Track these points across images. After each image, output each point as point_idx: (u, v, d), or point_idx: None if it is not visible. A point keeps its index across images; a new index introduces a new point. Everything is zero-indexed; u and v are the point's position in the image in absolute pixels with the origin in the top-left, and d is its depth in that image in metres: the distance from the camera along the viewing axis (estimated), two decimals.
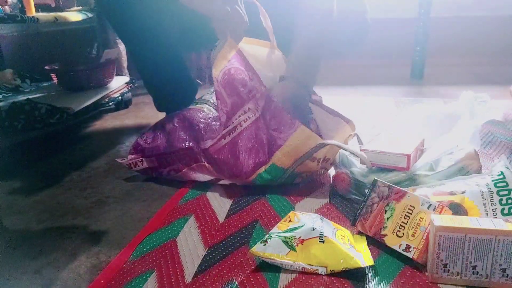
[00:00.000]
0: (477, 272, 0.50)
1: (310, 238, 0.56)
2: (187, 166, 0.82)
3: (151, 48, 0.99)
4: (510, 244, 0.48)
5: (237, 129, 0.76)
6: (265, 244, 0.56)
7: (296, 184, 0.79)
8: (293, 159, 0.75)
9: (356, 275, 0.53)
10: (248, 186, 0.79)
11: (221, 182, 0.82)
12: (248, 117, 0.76)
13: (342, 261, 0.53)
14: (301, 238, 0.56)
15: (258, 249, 0.56)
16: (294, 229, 0.58)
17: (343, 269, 0.52)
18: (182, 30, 1.00)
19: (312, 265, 0.54)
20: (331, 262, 0.53)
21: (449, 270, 0.50)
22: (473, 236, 0.49)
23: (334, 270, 0.53)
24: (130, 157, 0.89)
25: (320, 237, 0.56)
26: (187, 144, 0.82)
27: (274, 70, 0.91)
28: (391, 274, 0.53)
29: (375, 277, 0.53)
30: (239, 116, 0.76)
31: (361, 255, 0.55)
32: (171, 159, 0.84)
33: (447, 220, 0.50)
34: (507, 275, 0.49)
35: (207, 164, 0.79)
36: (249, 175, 0.76)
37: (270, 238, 0.57)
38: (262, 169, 0.76)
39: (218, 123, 0.82)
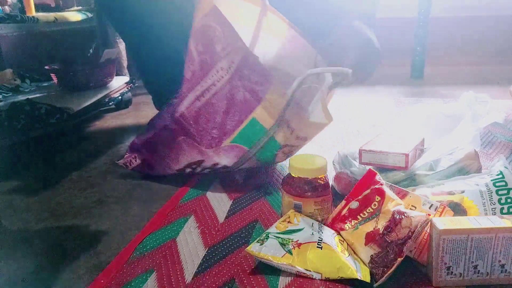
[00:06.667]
0: (478, 271, 0.50)
1: (308, 243, 0.55)
2: (170, 149, 0.82)
3: (151, 47, 0.99)
4: (508, 240, 0.49)
5: (211, 89, 0.74)
6: (261, 244, 0.55)
7: None
8: (273, 118, 0.72)
9: None
10: (248, 185, 0.79)
11: (204, 164, 0.80)
12: (222, 76, 0.73)
13: (338, 269, 0.51)
14: (298, 242, 0.55)
15: (254, 248, 0.55)
16: (293, 231, 0.57)
17: (339, 277, 0.51)
18: (180, 28, 1.00)
19: (307, 269, 0.52)
20: (327, 270, 0.52)
21: (452, 272, 0.50)
22: (475, 236, 0.49)
23: (329, 278, 0.52)
24: (125, 156, 0.89)
25: (318, 242, 0.55)
26: (165, 123, 0.81)
27: (264, 31, 0.83)
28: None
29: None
30: (212, 76, 0.74)
31: (359, 265, 0.53)
32: (155, 143, 0.84)
33: (448, 222, 0.50)
34: (506, 270, 0.50)
35: (185, 137, 0.78)
36: (229, 134, 0.74)
37: (267, 238, 0.56)
38: (243, 125, 0.73)
39: None
